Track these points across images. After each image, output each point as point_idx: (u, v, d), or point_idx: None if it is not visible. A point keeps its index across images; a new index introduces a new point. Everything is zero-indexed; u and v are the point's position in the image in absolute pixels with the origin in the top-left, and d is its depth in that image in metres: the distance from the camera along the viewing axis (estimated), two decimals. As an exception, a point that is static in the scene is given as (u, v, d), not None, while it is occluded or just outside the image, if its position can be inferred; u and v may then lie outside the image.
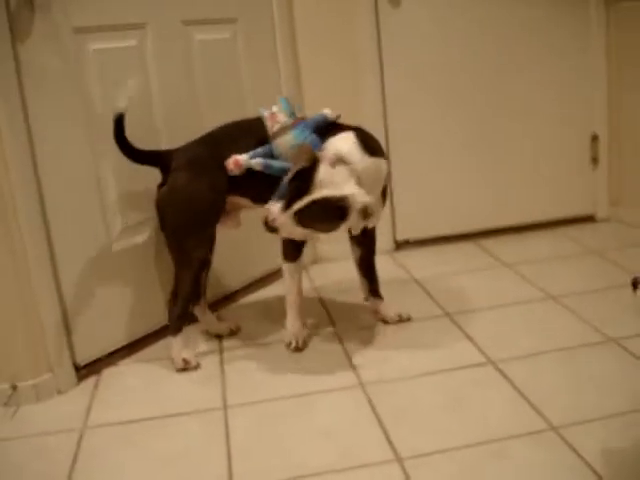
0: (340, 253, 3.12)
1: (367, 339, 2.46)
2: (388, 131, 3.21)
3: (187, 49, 2.62)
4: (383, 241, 3.06)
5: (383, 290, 2.57)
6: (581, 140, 3.41)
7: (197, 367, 2.36)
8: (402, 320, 2.53)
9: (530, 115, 3.33)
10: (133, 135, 2.28)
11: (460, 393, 2.07)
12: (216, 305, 2.77)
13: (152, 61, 2.50)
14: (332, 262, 3.19)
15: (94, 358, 2.40)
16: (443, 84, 3.24)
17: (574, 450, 1.73)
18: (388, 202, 2.71)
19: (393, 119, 3.21)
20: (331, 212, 2.04)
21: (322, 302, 2.81)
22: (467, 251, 3.27)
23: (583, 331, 2.35)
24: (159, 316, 2.57)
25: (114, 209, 2.43)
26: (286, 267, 2.38)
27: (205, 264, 2.44)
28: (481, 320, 2.52)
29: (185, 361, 2.35)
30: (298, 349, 2.40)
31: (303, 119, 2.27)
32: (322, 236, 2.39)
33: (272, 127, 2.26)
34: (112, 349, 2.46)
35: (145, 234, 2.53)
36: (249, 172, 2.26)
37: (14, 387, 2.19)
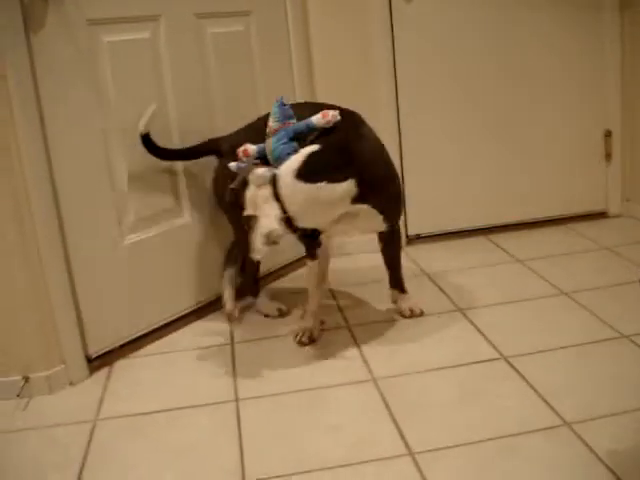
0: (355, 247, 3.13)
1: (379, 333, 2.45)
2: (400, 125, 3.19)
3: (200, 42, 2.62)
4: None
5: (395, 284, 2.58)
6: (594, 136, 3.38)
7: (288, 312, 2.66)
8: (414, 315, 2.54)
9: (543, 111, 3.31)
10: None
11: (472, 388, 2.06)
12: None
13: (165, 53, 2.50)
14: (347, 255, 3.19)
15: (106, 350, 2.40)
16: (456, 80, 3.22)
17: (587, 446, 1.72)
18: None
19: (405, 114, 3.20)
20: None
21: (335, 295, 2.81)
22: (479, 246, 3.26)
23: (596, 327, 2.34)
24: (171, 309, 2.59)
25: (126, 201, 2.43)
26: (307, 264, 2.46)
27: None
28: (493, 315, 2.51)
29: (280, 310, 2.65)
30: (302, 343, 2.41)
31: (289, 124, 2.20)
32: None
33: (268, 129, 2.25)
34: (124, 341, 2.46)
35: (157, 227, 2.54)
36: None
37: (26, 379, 2.20)
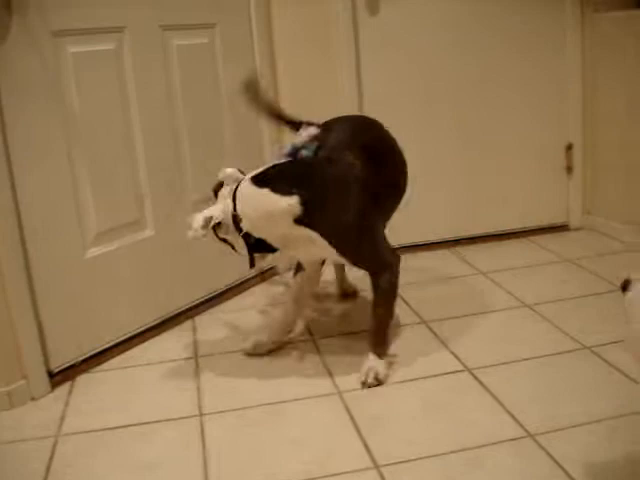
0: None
1: (344, 346, 2.45)
2: (365, 138, 3.21)
3: (165, 53, 2.61)
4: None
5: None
6: (556, 149, 3.44)
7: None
8: (366, 383, 2.19)
9: (505, 124, 3.35)
10: (107, 138, 2.28)
11: (437, 400, 2.07)
12: (192, 310, 2.77)
13: (130, 65, 2.48)
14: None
15: (68, 364, 2.37)
16: (418, 92, 3.25)
17: (551, 457, 1.74)
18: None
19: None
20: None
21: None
22: (443, 258, 3.28)
23: (558, 339, 2.37)
24: (134, 323, 2.56)
25: (89, 214, 2.40)
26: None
27: None
28: (457, 327, 2.52)
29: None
30: (247, 352, 2.42)
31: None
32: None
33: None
34: (86, 355, 2.43)
35: (120, 240, 2.51)
36: None
37: (-14, 394, 2.16)
